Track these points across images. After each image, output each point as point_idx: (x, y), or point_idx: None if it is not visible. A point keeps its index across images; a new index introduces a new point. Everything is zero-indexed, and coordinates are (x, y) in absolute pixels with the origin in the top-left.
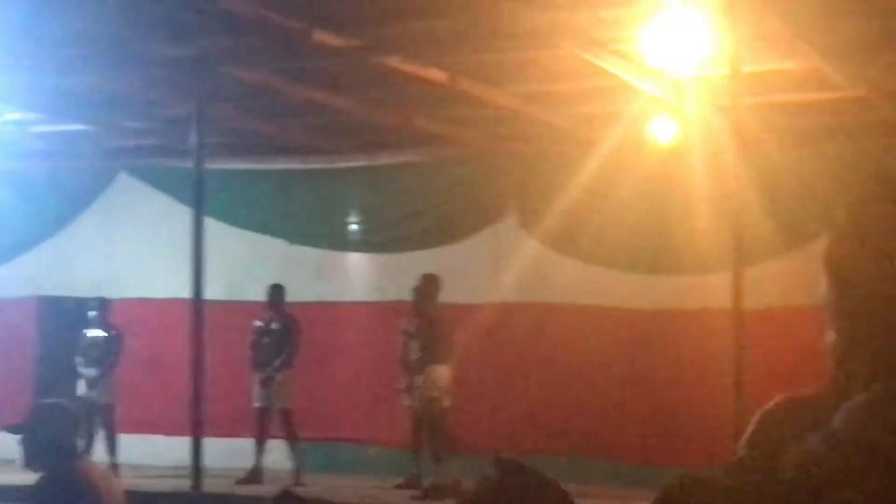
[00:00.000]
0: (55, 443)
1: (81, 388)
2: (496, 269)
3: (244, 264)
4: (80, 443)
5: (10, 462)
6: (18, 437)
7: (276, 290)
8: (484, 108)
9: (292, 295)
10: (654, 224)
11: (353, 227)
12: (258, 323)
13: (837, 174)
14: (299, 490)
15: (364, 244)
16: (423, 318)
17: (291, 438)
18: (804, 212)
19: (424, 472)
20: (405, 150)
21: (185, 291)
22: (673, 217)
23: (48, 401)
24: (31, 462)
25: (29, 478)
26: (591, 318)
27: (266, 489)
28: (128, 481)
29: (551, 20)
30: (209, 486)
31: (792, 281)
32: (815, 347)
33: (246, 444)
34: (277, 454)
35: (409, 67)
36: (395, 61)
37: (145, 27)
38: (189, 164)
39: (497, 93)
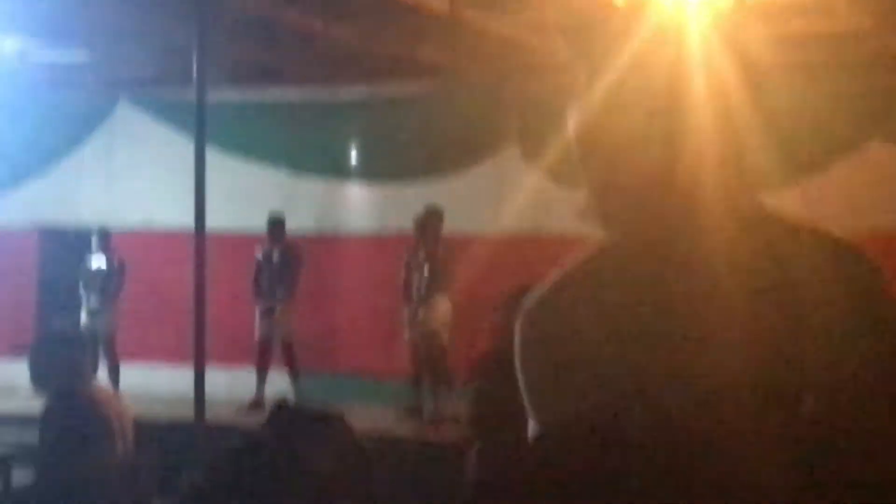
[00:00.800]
0: (63, 366)
1: (84, 317)
2: (498, 199)
3: (245, 194)
4: (88, 367)
5: (11, 390)
6: (26, 358)
7: (277, 221)
8: (486, 37)
9: (293, 226)
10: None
11: (355, 157)
12: (259, 254)
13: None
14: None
15: (365, 175)
16: (426, 251)
17: (293, 369)
18: (808, 145)
19: (425, 404)
20: (407, 81)
21: (186, 222)
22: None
23: (56, 327)
24: (37, 384)
25: (32, 405)
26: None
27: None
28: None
29: None
30: (211, 415)
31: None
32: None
33: (247, 374)
34: (279, 385)
35: None
36: None
37: None
38: (190, 94)
39: (499, 22)
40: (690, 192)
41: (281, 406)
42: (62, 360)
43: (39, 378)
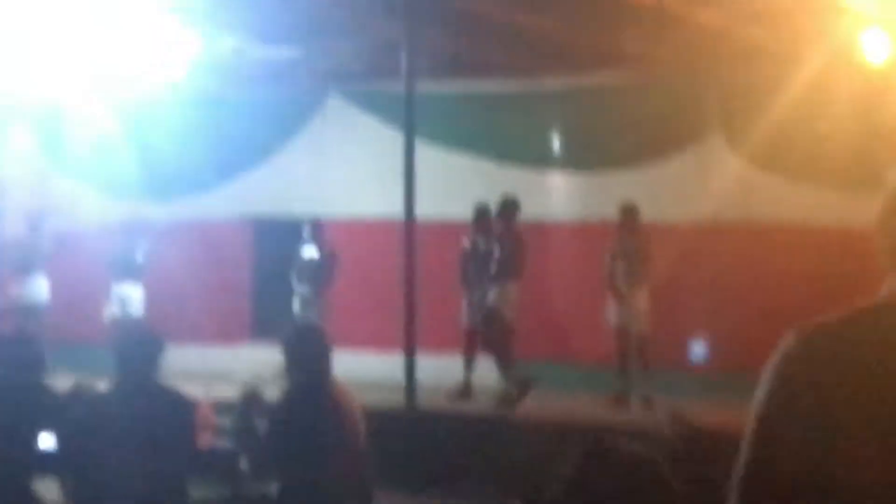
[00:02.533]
0: (308, 360)
1: (296, 307)
2: (701, 187)
3: (452, 184)
4: (330, 361)
5: (226, 377)
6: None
7: (483, 210)
8: (690, 27)
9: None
10: (863, 142)
11: (557, 146)
12: (467, 242)
13: None
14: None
15: (569, 163)
16: (627, 241)
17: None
18: None
19: (631, 391)
20: (610, 71)
21: (396, 212)
22: (883, 135)
23: (301, 321)
24: (286, 376)
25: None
26: (799, 237)
27: (477, 405)
28: None
29: None
30: (420, 402)
31: None
32: None
33: (454, 360)
34: (485, 370)
35: None
36: None
37: None
38: (398, 87)
39: (703, 12)
40: None
41: (593, 451)
42: (306, 356)
43: (290, 368)
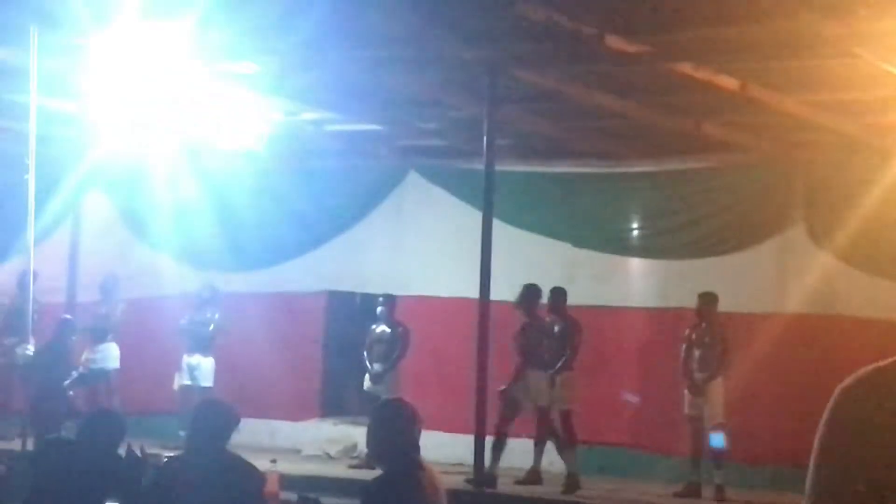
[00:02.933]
0: (397, 439)
1: (367, 382)
2: (782, 279)
3: (527, 266)
4: (418, 439)
5: (297, 452)
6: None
7: (558, 293)
8: (774, 115)
9: (573, 298)
10: None
11: (636, 232)
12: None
13: None
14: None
15: (647, 249)
16: (704, 332)
17: (570, 440)
18: None
19: (704, 481)
20: (691, 156)
21: (469, 290)
22: None
23: (389, 398)
24: (374, 458)
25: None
26: (883, 334)
27: (545, 490)
28: None
29: (850, 30)
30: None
31: None
32: None
33: (522, 443)
34: (554, 455)
35: (699, 74)
36: (685, 67)
37: (441, 30)
38: (476, 165)
39: (788, 100)
40: None
41: None
42: (395, 435)
43: (374, 454)
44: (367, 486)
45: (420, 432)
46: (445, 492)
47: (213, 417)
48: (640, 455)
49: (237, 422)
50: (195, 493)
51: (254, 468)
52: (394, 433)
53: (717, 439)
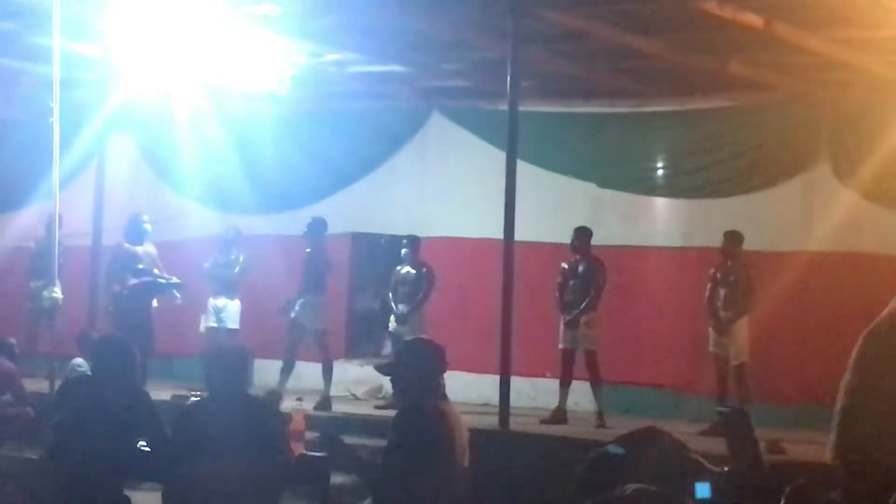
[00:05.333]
0: (421, 379)
1: (392, 322)
2: (807, 217)
3: (552, 206)
4: (443, 380)
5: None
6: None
7: (583, 233)
8: (799, 53)
9: (598, 238)
10: None
11: (661, 171)
12: (565, 265)
13: None
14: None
15: (671, 189)
16: (729, 271)
17: (595, 380)
18: None
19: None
20: (716, 95)
21: (494, 231)
22: None
23: (416, 338)
24: (399, 396)
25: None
26: None
27: (570, 430)
28: None
29: None
30: (514, 424)
31: None
32: None
33: (548, 383)
34: (580, 395)
35: (724, 11)
36: (710, 5)
37: None
38: (500, 106)
39: (813, 38)
40: None
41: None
42: (420, 375)
43: (398, 393)
44: (396, 416)
45: (445, 371)
46: (469, 431)
47: (225, 361)
48: (666, 394)
49: (247, 360)
50: (218, 435)
51: (275, 408)
52: (419, 371)
53: (703, 489)
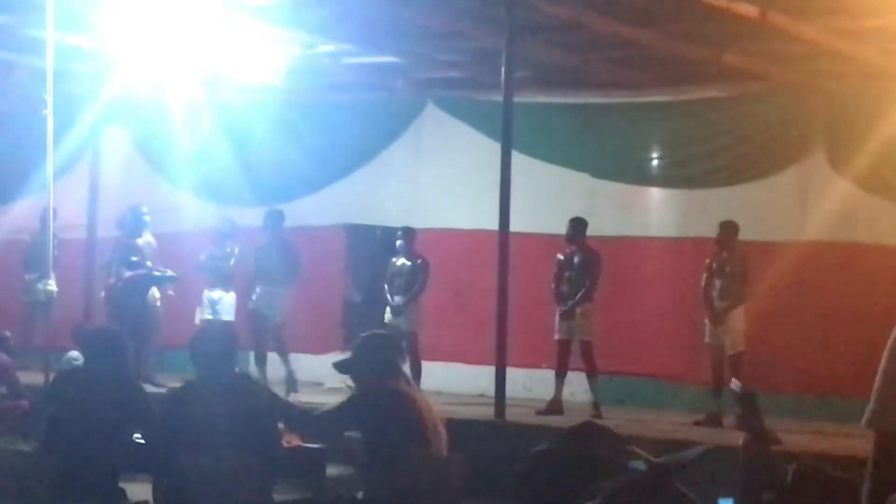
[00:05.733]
0: (377, 365)
1: (387, 315)
2: (802, 207)
3: (547, 197)
4: (399, 365)
5: (318, 385)
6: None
7: (578, 224)
8: (794, 43)
9: (594, 228)
10: None
11: (657, 161)
12: (560, 256)
13: None
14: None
15: (667, 179)
16: (725, 261)
17: (591, 371)
18: None
19: (725, 410)
20: (711, 85)
21: (489, 223)
22: None
23: (371, 332)
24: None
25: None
26: None
27: (566, 420)
28: None
29: None
30: (510, 415)
31: None
32: None
33: (544, 374)
34: (576, 386)
35: (719, 1)
36: None
37: None
38: (495, 96)
39: (808, 27)
40: None
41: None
42: (377, 363)
43: (357, 384)
44: (352, 398)
45: (403, 360)
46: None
47: (209, 343)
48: (662, 385)
49: (235, 341)
50: (208, 416)
51: (263, 387)
52: (376, 357)
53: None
